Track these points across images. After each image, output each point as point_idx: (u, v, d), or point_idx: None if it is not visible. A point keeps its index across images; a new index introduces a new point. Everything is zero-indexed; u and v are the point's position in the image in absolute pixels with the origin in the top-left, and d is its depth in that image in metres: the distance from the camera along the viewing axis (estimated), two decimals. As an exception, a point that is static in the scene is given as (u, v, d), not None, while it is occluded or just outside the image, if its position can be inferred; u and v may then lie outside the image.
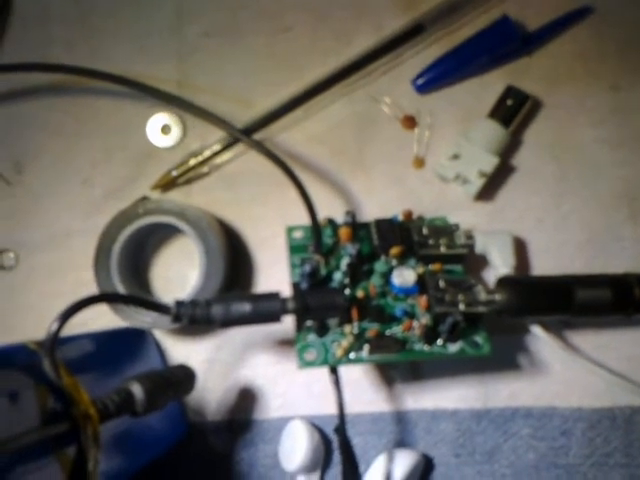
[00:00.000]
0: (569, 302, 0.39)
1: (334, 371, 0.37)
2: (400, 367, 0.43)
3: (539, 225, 0.43)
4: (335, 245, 0.42)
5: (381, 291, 0.39)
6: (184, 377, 0.36)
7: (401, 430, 0.43)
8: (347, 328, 0.36)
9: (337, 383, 0.37)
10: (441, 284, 0.38)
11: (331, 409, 0.40)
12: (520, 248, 0.42)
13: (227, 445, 0.44)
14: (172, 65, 0.48)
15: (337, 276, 0.39)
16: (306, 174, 0.44)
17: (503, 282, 0.39)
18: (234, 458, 0.44)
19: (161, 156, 0.46)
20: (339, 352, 0.36)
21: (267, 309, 0.36)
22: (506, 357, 0.43)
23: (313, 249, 0.41)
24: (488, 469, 0.42)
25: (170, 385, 0.34)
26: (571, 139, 0.44)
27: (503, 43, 0.46)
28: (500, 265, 0.42)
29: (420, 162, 0.46)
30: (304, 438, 0.40)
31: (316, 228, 0.40)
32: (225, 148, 0.45)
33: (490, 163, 0.43)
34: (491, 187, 0.43)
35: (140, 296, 0.44)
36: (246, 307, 0.36)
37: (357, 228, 0.42)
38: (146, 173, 0.46)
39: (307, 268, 0.38)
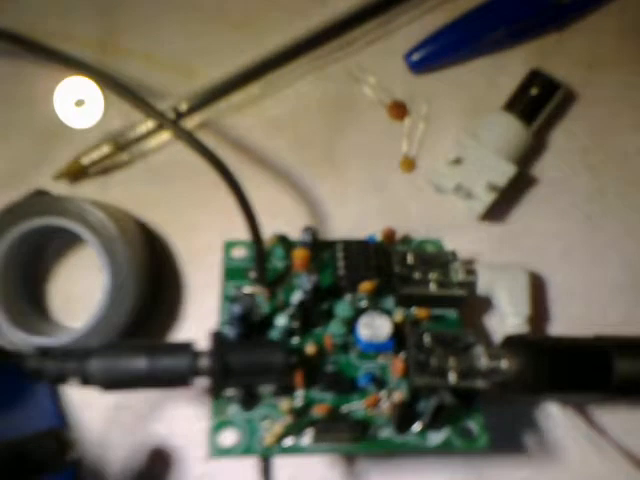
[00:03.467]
0: (605, 376, 0.27)
1: (266, 459, 0.25)
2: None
3: (565, 259, 0.33)
4: (287, 271, 0.30)
5: (341, 344, 0.27)
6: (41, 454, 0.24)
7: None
8: (284, 403, 0.24)
9: (266, 475, 0.25)
10: (426, 340, 0.26)
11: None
12: (538, 290, 0.33)
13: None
14: (93, 21, 0.37)
15: (281, 320, 0.26)
16: (258, 171, 0.35)
17: (513, 343, 0.27)
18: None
19: (72, 137, 0.36)
20: (269, 438, 0.24)
21: (171, 369, 0.24)
22: (507, 438, 0.31)
23: (254, 276, 0.28)
24: None
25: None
26: (611, 145, 0.35)
27: (527, 12, 0.34)
28: (510, 313, 0.29)
29: (410, 164, 0.33)
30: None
31: (258, 247, 0.28)
32: (154, 131, 0.32)
33: (504, 173, 0.30)
34: (503, 204, 0.34)
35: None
36: (140, 364, 0.24)
37: (319, 250, 0.31)
38: (52, 157, 0.36)
39: (236, 310, 0.25)
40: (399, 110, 0.34)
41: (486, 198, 0.31)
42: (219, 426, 0.26)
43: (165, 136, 0.36)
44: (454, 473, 0.30)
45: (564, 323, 0.32)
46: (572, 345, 0.28)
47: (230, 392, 0.26)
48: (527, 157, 0.34)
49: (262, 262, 0.29)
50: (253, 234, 0.29)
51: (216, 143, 0.35)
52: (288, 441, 0.25)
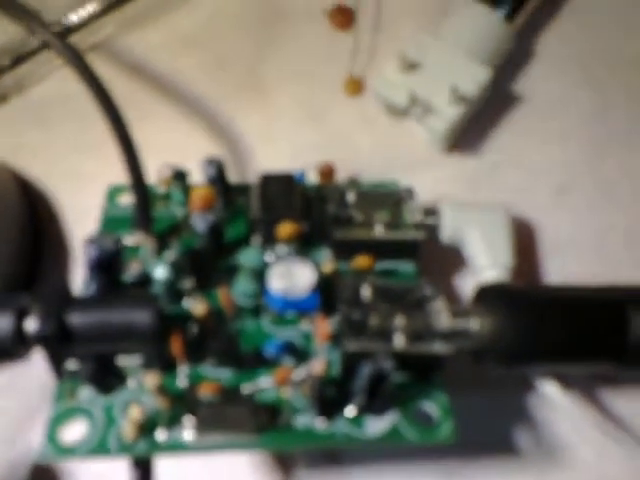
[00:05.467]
0: (618, 338, 0.20)
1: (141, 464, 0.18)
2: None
3: (561, 199, 0.27)
4: (187, 220, 0.24)
5: (250, 306, 0.20)
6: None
7: None
8: (150, 378, 0.17)
9: None
10: (365, 294, 0.19)
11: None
12: (525, 237, 0.26)
13: None
14: None
15: (159, 272, 0.19)
16: (165, 101, 0.30)
17: (488, 296, 0.20)
18: None
19: None
20: (128, 430, 0.17)
21: None
22: (489, 433, 0.23)
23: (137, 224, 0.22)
24: None
25: None
26: (622, 48, 0.29)
27: None
28: (486, 266, 0.22)
29: (356, 85, 0.27)
30: None
31: (137, 181, 0.21)
32: (34, 53, 0.29)
33: (475, 78, 0.24)
34: (478, 129, 0.28)
35: None
36: None
37: (232, 194, 0.25)
38: None
39: (92, 253, 0.19)
40: (343, 17, 0.29)
41: (451, 113, 0.25)
42: (62, 416, 0.19)
43: (48, 62, 0.29)
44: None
45: (558, 282, 0.25)
46: (571, 297, 0.21)
47: (72, 365, 0.19)
48: (507, 61, 0.27)
49: (144, 201, 0.22)
50: (129, 163, 0.22)
51: (111, 67, 0.29)
52: (160, 435, 0.18)
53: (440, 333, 0.20)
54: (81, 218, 0.28)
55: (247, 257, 0.21)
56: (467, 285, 0.25)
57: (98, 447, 0.18)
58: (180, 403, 0.19)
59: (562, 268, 0.26)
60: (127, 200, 0.25)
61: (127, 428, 0.18)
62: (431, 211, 0.24)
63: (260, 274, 0.21)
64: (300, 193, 0.24)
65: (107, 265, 0.20)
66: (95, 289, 0.20)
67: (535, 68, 0.29)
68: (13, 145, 0.30)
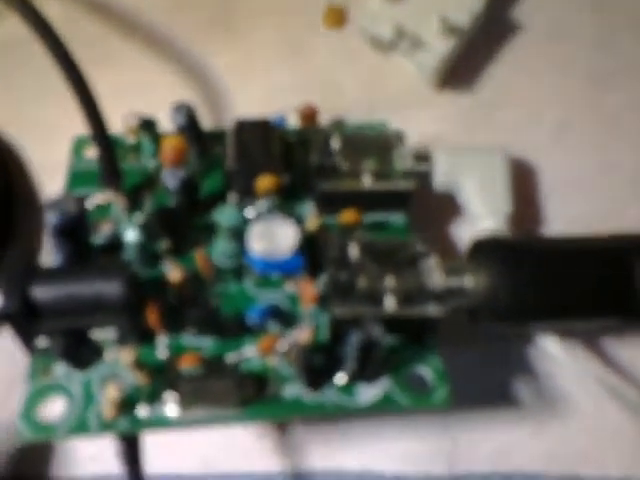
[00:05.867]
0: (622, 292, 0.20)
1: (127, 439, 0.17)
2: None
3: (563, 137, 0.25)
4: (158, 172, 0.22)
5: (230, 268, 0.18)
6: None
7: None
8: (125, 353, 0.16)
9: (132, 457, 0.17)
10: (352, 253, 0.18)
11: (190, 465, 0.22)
12: (523, 179, 0.24)
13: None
14: None
15: (130, 235, 0.18)
16: (128, 43, 0.27)
17: (483, 251, 0.19)
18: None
19: None
20: (107, 408, 0.16)
21: None
22: (486, 387, 0.23)
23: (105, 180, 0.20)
24: None
25: None
26: None
27: None
28: (483, 214, 0.21)
29: (337, 16, 0.25)
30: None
31: (99, 133, 0.19)
32: None
33: (468, 5, 0.21)
34: (472, 61, 0.26)
35: None
36: None
37: (205, 141, 0.23)
38: None
39: (54, 220, 0.17)
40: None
41: (441, 46, 0.23)
42: (38, 393, 0.18)
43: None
44: (420, 436, 0.22)
45: (562, 227, 0.24)
46: (571, 249, 0.20)
47: (42, 342, 0.18)
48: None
49: (109, 154, 0.21)
50: (90, 117, 0.20)
51: (70, 7, 0.27)
52: (142, 411, 0.17)
53: (433, 293, 0.19)
54: (51, 172, 0.26)
55: (224, 215, 0.20)
56: (463, 235, 0.24)
57: (78, 426, 0.17)
58: (161, 376, 0.18)
59: (564, 210, 0.24)
60: (94, 153, 0.23)
61: (106, 406, 0.17)
62: (423, 157, 0.23)
63: (239, 233, 0.20)
64: (279, 140, 0.22)
65: (71, 231, 0.19)
66: (62, 258, 0.19)
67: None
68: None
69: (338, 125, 0.24)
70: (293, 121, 0.23)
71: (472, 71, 0.26)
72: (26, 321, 0.17)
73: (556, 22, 0.27)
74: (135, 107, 0.26)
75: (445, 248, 0.24)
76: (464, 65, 0.25)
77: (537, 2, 0.27)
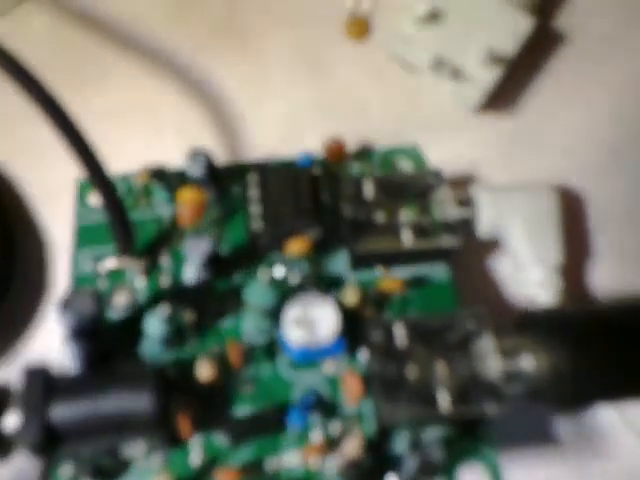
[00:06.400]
0: None
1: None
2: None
3: (613, 161, 0.23)
4: (174, 231, 0.20)
5: (262, 347, 0.17)
6: None
7: None
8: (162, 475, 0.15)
9: None
10: (399, 339, 0.16)
11: None
12: (572, 209, 0.22)
13: None
14: None
15: (153, 325, 0.16)
16: (121, 59, 0.24)
17: (537, 325, 0.17)
18: None
19: None
20: None
21: None
22: (528, 424, 0.21)
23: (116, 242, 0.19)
24: None
25: None
26: None
27: None
28: (530, 263, 0.19)
29: (361, 26, 0.22)
30: None
31: (106, 191, 0.17)
32: None
33: (514, 31, 0.18)
34: (510, 79, 0.23)
35: None
36: None
37: (220, 184, 0.21)
38: None
39: (69, 320, 0.15)
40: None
41: (486, 78, 0.20)
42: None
43: None
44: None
45: (614, 262, 0.22)
46: (630, 320, 0.18)
47: (66, 470, 0.16)
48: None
49: (120, 215, 0.18)
50: (88, 167, 0.18)
51: (55, 15, 0.23)
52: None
53: (490, 385, 0.17)
54: (48, 196, 0.24)
55: (255, 295, 0.18)
56: (509, 285, 0.22)
57: None
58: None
59: (617, 244, 0.22)
60: (99, 201, 0.21)
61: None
62: (465, 201, 0.20)
63: (272, 310, 0.18)
64: (308, 186, 0.20)
65: (90, 330, 0.17)
66: (81, 362, 0.17)
67: (580, 2, 0.24)
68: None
69: (364, 152, 0.22)
70: (316, 146, 0.21)
71: (514, 92, 0.23)
72: (42, 448, 0.16)
73: (605, 35, 0.23)
74: (135, 130, 0.23)
75: (490, 302, 0.22)
76: (505, 85, 0.22)
77: (585, 18, 0.24)
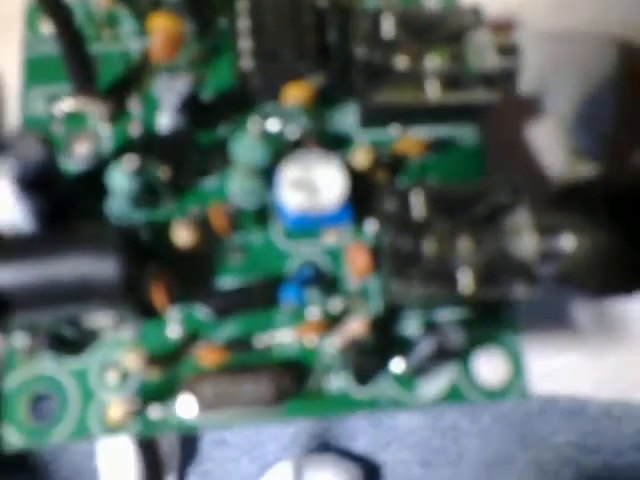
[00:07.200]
0: None
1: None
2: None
3: None
4: (146, 61, 0.17)
5: (253, 212, 0.14)
6: None
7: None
8: (130, 356, 0.12)
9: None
10: (416, 205, 0.13)
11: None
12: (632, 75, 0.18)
13: None
14: None
15: (118, 179, 0.13)
16: None
17: (581, 198, 0.14)
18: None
19: None
20: (113, 412, 0.13)
21: None
22: (547, 311, 0.20)
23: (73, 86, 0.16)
24: None
25: None
26: None
27: None
28: (575, 127, 0.16)
29: None
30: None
31: (56, 15, 0.14)
32: None
33: None
34: None
35: None
36: None
37: (202, 12, 0.17)
38: None
39: (16, 169, 0.12)
40: None
41: None
42: (20, 391, 0.14)
43: None
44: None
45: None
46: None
47: (19, 339, 0.14)
48: None
49: (77, 47, 0.15)
50: None
51: None
52: (155, 411, 0.14)
53: (521, 265, 0.15)
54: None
55: (245, 150, 0.15)
56: (548, 161, 0.19)
57: (77, 430, 0.14)
58: (173, 365, 0.15)
59: None
60: (50, 29, 0.17)
61: (112, 410, 0.14)
62: (508, 48, 0.17)
63: (265, 170, 0.15)
64: (311, 14, 0.16)
65: (39, 181, 0.14)
66: (32, 219, 0.14)
67: None
68: None
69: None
70: None
71: None
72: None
73: None
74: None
75: (525, 173, 0.19)
76: None
77: None
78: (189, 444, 0.23)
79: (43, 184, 0.14)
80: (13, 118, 0.19)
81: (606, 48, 0.17)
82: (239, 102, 0.16)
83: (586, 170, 0.17)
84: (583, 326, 0.21)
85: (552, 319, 0.20)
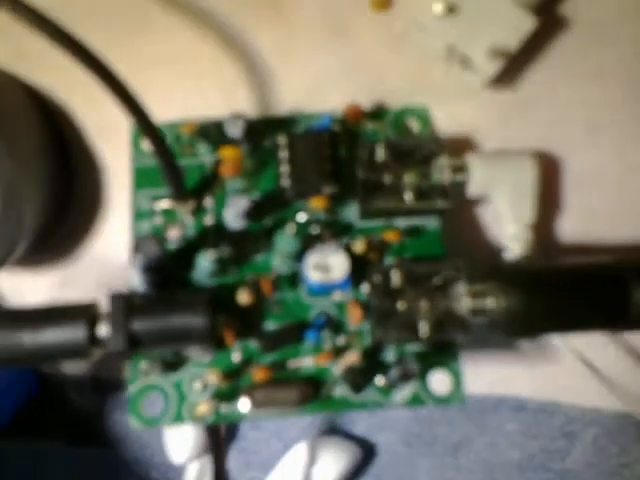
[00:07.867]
0: (619, 310, 0.23)
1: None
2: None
3: (592, 135, 0.27)
4: (217, 171, 0.25)
5: (286, 279, 0.23)
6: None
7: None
8: (211, 373, 0.21)
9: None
10: (395, 280, 0.22)
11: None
12: (551, 172, 0.27)
13: (92, 405, 0.31)
14: None
15: (204, 261, 0.22)
16: (164, 16, 0.27)
17: (500, 275, 0.23)
18: (102, 422, 0.30)
19: None
20: (202, 408, 0.21)
21: (61, 343, 0.21)
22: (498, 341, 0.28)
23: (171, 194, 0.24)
24: (451, 462, 0.30)
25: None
26: None
27: None
28: (509, 220, 0.25)
29: (383, 2, 0.25)
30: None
31: (156, 140, 0.21)
32: None
33: (518, 28, 0.22)
34: (514, 61, 0.26)
35: None
36: (23, 339, 0.20)
37: (255, 136, 0.25)
38: None
39: (140, 262, 0.21)
40: None
41: (488, 68, 0.24)
42: (141, 393, 0.23)
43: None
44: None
45: (581, 219, 0.27)
46: (579, 274, 0.23)
47: (142, 365, 0.22)
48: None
49: (170, 163, 0.22)
50: (135, 116, 0.20)
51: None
52: (224, 407, 0.23)
53: (460, 317, 0.23)
54: (102, 130, 0.28)
55: (281, 242, 0.23)
56: (491, 234, 0.27)
57: (176, 417, 0.23)
58: (236, 379, 0.23)
59: (584, 203, 0.27)
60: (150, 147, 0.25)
61: (200, 407, 0.23)
62: (460, 167, 0.25)
63: (297, 254, 0.24)
64: (328, 152, 0.24)
65: (155, 267, 0.22)
66: (149, 284, 0.23)
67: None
68: (12, 51, 0.27)
69: (380, 112, 0.26)
70: (335, 101, 0.25)
71: (514, 70, 0.26)
72: (127, 352, 0.21)
73: (599, 23, 0.26)
74: (176, 79, 0.27)
75: (474, 247, 0.27)
76: (510, 64, 0.25)
77: (583, 5, 0.26)
78: (232, 427, 0.28)
79: (158, 268, 0.22)
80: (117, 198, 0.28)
81: (529, 160, 0.25)
82: (279, 203, 0.25)
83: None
84: (521, 346, 0.28)
85: (499, 344, 0.28)
